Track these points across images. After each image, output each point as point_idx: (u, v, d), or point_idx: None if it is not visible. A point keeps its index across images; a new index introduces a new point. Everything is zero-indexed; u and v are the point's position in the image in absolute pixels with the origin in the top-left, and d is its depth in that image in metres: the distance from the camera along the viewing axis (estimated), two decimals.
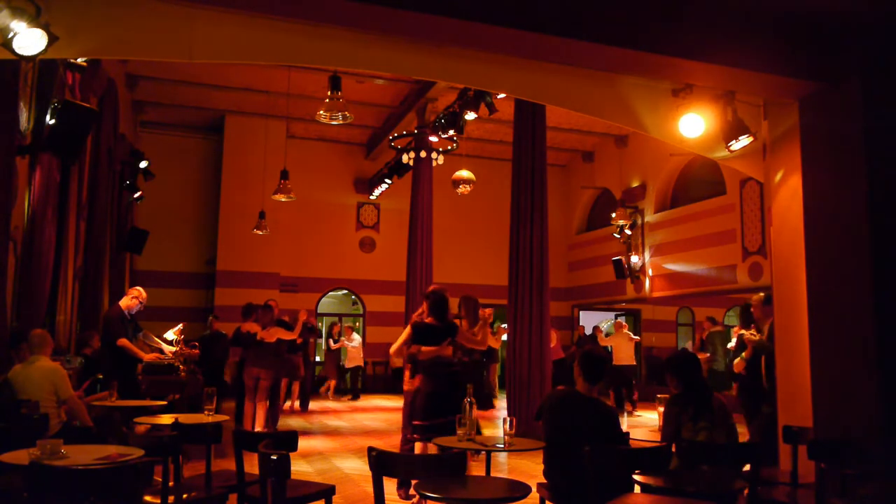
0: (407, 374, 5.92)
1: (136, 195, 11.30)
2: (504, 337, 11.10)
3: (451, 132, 10.30)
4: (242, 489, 3.61)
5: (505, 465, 6.97)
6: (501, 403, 12.67)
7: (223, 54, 5.01)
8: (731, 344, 12.96)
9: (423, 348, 5.20)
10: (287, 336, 8.21)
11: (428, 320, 5.24)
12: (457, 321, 5.52)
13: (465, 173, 11.24)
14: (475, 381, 7.34)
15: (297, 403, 11.67)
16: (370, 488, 3.05)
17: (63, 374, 5.00)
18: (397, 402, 12.60)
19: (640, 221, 14.63)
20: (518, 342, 8.63)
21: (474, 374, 7.54)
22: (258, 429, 7.67)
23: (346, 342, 13.75)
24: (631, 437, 3.92)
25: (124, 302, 6.92)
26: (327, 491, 3.72)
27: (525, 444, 4.05)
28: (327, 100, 6.49)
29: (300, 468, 6.47)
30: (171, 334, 7.84)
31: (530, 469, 6.58)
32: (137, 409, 5.42)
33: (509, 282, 8.99)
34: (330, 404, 12.86)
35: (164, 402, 6.06)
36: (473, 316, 6.23)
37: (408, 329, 5.35)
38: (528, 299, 8.65)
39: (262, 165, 13.58)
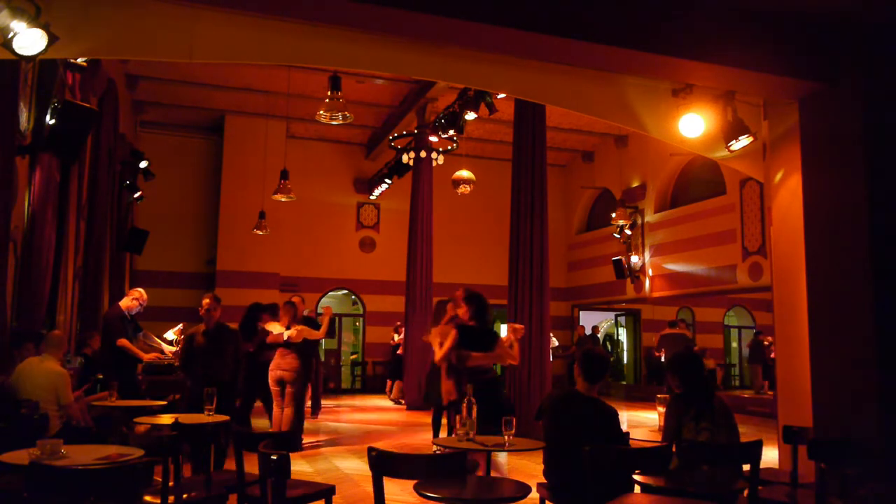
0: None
1: (136, 195, 11.30)
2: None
3: (451, 132, 10.30)
4: (242, 489, 3.61)
5: (505, 466, 6.96)
6: None
7: (223, 54, 5.02)
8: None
9: (474, 354, 4.98)
10: (313, 336, 7.53)
11: (471, 324, 5.05)
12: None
13: (465, 173, 11.25)
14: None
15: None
16: (370, 488, 3.05)
17: (67, 380, 5.03)
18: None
19: (640, 221, 14.63)
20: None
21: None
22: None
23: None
24: (631, 437, 3.91)
25: (124, 302, 6.92)
26: (327, 491, 3.72)
27: (525, 444, 4.04)
28: (327, 100, 6.50)
29: (300, 468, 6.46)
30: (171, 334, 7.85)
31: (530, 469, 6.57)
32: (137, 409, 5.42)
33: (509, 282, 8.98)
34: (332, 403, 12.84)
35: (164, 402, 6.06)
36: (482, 319, 5.27)
37: (453, 333, 5.05)
38: (528, 299, 8.65)
39: (262, 165, 13.57)
